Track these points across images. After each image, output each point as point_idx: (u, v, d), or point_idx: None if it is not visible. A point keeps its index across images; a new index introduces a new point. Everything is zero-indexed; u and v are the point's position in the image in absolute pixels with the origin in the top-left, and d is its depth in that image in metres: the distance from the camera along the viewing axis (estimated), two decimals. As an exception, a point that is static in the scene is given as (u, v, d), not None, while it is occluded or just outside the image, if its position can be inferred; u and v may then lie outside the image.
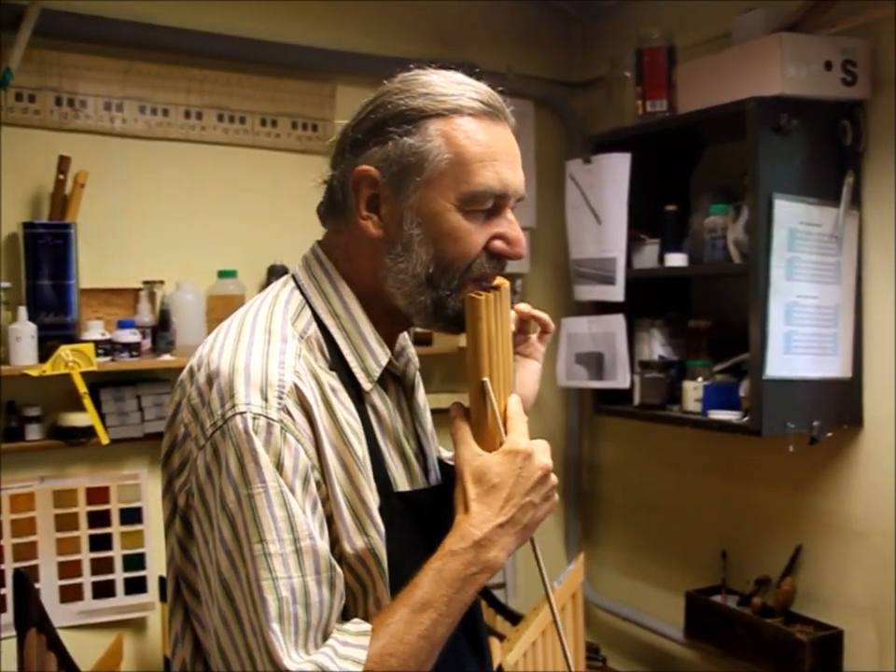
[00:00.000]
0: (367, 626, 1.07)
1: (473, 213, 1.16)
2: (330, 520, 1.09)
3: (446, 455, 1.39)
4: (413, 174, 1.14)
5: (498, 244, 1.18)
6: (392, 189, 1.15)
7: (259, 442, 1.04)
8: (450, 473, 1.30)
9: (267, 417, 1.05)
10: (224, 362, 1.10)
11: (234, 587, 1.03)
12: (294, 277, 1.24)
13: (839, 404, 2.58)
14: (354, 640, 1.05)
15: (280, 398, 1.07)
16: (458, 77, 1.20)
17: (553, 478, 1.19)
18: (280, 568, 1.02)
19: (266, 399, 1.06)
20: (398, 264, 1.17)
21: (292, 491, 1.04)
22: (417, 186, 1.14)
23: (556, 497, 1.20)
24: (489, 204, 1.16)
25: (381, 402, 1.21)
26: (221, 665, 1.04)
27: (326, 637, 1.05)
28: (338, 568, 1.07)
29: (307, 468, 1.07)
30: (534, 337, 1.35)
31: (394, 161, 1.14)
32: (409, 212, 1.15)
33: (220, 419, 1.06)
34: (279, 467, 1.04)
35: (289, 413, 1.07)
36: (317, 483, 1.08)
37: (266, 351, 1.10)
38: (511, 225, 1.19)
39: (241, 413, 1.05)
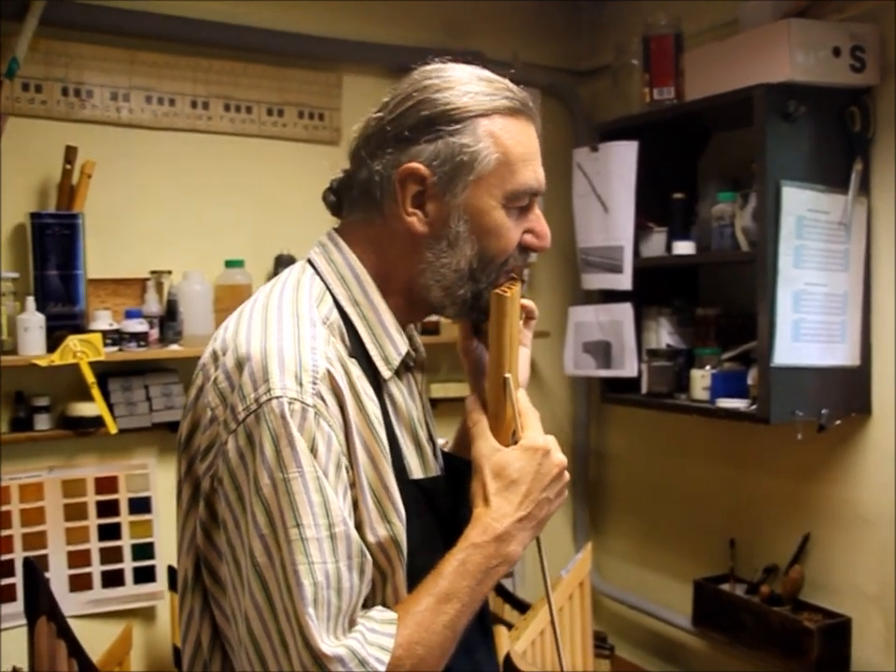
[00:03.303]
0: (392, 614, 1.08)
1: (511, 209, 1.20)
2: (355, 506, 1.10)
3: (440, 442, 1.40)
4: (463, 173, 1.17)
5: (529, 237, 1.23)
6: (441, 186, 1.17)
7: (294, 427, 1.04)
8: (452, 462, 1.33)
9: (302, 402, 1.05)
10: (254, 346, 1.10)
11: (268, 572, 1.03)
12: (311, 263, 1.24)
13: (847, 392, 2.57)
14: (381, 628, 1.06)
15: (314, 383, 1.07)
16: (489, 74, 1.23)
17: (567, 475, 1.23)
18: (316, 553, 1.03)
19: (301, 385, 1.06)
20: (440, 259, 1.19)
21: (326, 476, 1.05)
22: (466, 184, 1.17)
23: (567, 493, 1.24)
24: (526, 201, 1.21)
25: (397, 390, 1.22)
26: (252, 651, 1.04)
27: (352, 623, 1.06)
28: (367, 554, 1.08)
29: (339, 454, 1.08)
30: (520, 324, 1.37)
31: (445, 159, 1.16)
32: (456, 209, 1.18)
33: (254, 403, 1.06)
34: (313, 452, 1.05)
35: (322, 399, 1.07)
36: (346, 469, 1.09)
37: (297, 335, 1.11)
38: (539, 219, 1.24)
39: (277, 398, 1.05)
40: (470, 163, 1.16)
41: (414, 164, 1.17)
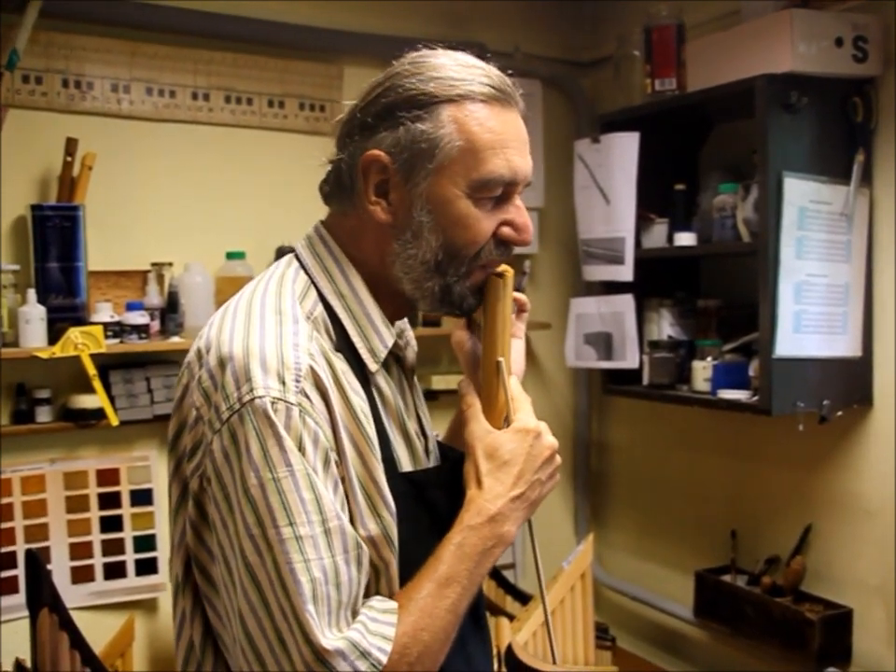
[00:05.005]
0: (393, 604, 1.09)
1: (482, 200, 1.16)
2: (346, 502, 1.09)
3: (434, 433, 1.40)
4: (424, 160, 1.14)
5: (507, 230, 1.19)
6: (402, 175, 1.15)
7: (280, 426, 1.04)
8: (448, 453, 1.32)
9: (286, 401, 1.05)
10: (236, 344, 1.09)
11: (259, 571, 1.02)
12: (297, 257, 1.23)
13: (849, 383, 2.57)
14: (382, 617, 1.07)
15: (297, 381, 1.06)
16: (469, 59, 1.19)
17: (558, 458, 1.23)
18: (311, 550, 1.02)
19: (284, 383, 1.05)
20: (406, 250, 1.17)
21: (316, 472, 1.05)
22: (428, 172, 1.14)
23: (559, 476, 1.24)
24: (499, 192, 1.17)
25: (385, 383, 1.22)
26: (249, 651, 1.03)
27: (355, 614, 1.06)
28: (363, 545, 1.08)
29: (326, 449, 1.07)
30: (513, 317, 1.36)
31: (405, 146, 1.14)
32: (419, 198, 1.15)
33: (237, 403, 1.05)
34: (301, 450, 1.04)
35: (307, 397, 1.07)
36: (335, 464, 1.09)
37: (279, 332, 1.10)
38: (518, 211, 1.20)
39: (260, 397, 1.04)
40: (430, 150, 1.13)
41: (376, 152, 1.15)
